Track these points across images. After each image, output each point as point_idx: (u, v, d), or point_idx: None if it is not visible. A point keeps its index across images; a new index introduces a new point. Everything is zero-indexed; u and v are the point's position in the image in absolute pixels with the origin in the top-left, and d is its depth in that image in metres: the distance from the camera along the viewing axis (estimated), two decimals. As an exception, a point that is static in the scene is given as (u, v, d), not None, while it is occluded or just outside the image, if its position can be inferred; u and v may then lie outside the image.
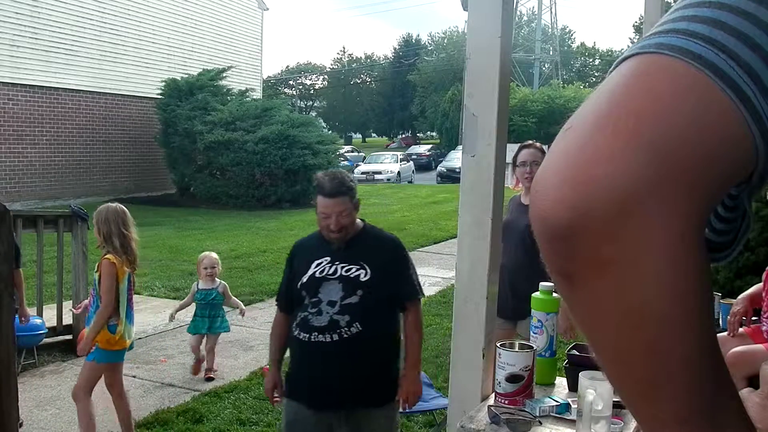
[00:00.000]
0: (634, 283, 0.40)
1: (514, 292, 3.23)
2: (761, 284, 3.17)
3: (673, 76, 0.41)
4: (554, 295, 2.02)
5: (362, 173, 27.07)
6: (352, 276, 2.63)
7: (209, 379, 4.95)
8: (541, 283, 2.06)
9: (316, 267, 2.66)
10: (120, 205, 3.74)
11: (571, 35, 64.21)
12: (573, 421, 1.70)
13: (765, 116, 0.41)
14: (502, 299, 2.25)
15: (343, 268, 2.64)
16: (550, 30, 54.34)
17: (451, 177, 24.89)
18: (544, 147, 3.75)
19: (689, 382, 0.41)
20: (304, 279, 2.66)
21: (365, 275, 2.63)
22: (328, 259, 2.66)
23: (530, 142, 3.71)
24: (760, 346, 2.97)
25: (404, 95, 58.91)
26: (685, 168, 0.39)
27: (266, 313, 6.52)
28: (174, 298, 7.05)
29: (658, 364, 0.41)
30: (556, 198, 0.41)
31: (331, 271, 2.64)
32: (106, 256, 3.60)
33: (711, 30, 0.41)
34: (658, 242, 0.39)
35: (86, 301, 4.07)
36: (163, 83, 16.75)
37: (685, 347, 0.41)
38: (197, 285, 5.09)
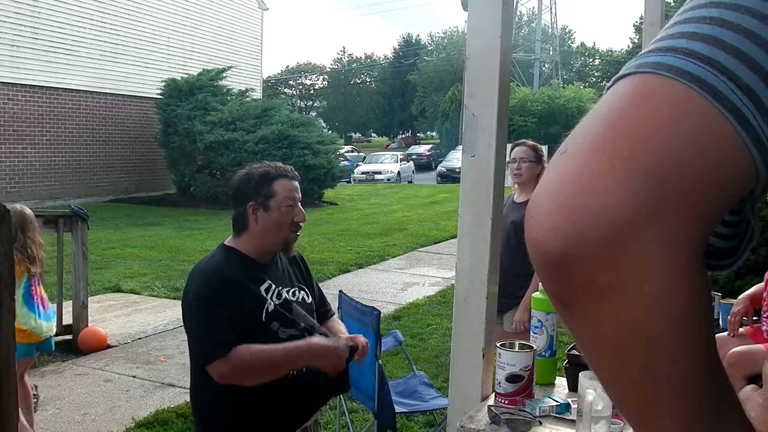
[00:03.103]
0: (631, 309, 0.39)
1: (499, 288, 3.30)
2: (762, 284, 3.16)
3: (671, 99, 0.40)
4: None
5: (362, 173, 27.15)
6: (300, 301, 2.23)
7: None
8: (541, 284, 2.06)
9: (267, 293, 2.11)
10: (25, 209, 3.75)
11: (571, 35, 64.25)
12: (573, 421, 1.70)
13: (766, 139, 0.40)
14: None
15: (289, 292, 2.18)
16: (550, 30, 54.32)
17: (451, 177, 24.92)
18: (544, 146, 3.86)
19: (689, 402, 0.41)
20: (270, 307, 2.08)
21: (309, 298, 2.28)
22: (269, 283, 2.12)
23: (523, 140, 3.85)
24: (760, 346, 2.97)
25: (404, 95, 58.93)
26: (682, 194, 0.39)
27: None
28: (174, 298, 7.04)
29: (656, 387, 0.41)
30: (551, 226, 0.40)
31: (281, 299, 2.15)
32: None
33: (711, 49, 0.40)
34: (654, 269, 0.39)
35: None
36: (163, 83, 16.73)
37: (684, 370, 0.41)
38: None
